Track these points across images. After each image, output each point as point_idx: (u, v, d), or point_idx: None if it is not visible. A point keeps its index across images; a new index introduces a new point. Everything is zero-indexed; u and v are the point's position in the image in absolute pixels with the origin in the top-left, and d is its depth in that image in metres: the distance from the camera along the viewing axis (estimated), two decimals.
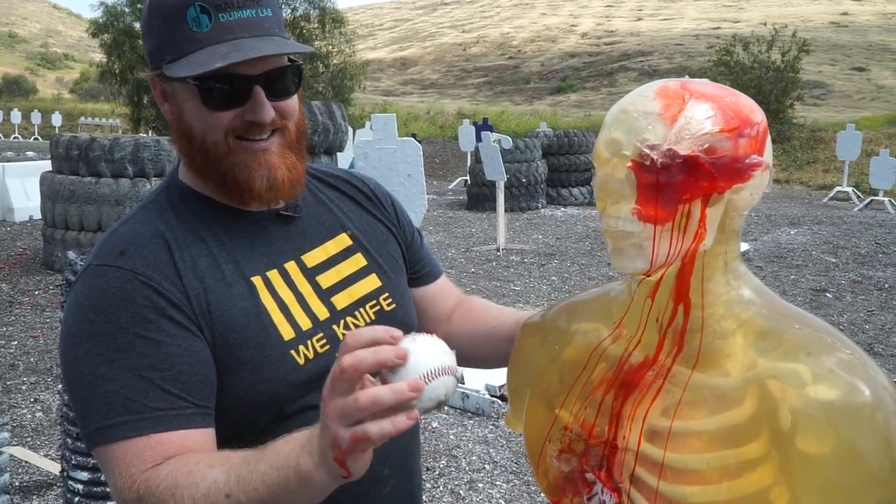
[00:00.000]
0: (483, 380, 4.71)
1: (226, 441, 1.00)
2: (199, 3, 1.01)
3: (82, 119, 32.16)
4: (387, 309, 1.20)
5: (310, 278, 1.14)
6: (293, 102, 1.10)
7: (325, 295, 1.14)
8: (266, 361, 1.04)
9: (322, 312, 1.12)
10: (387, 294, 1.21)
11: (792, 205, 14.65)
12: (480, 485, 3.74)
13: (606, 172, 0.91)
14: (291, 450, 0.85)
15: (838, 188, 15.50)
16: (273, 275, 1.10)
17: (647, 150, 0.86)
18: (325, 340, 1.10)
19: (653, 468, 0.88)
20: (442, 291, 1.38)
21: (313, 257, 1.16)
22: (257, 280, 1.08)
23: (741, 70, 22.38)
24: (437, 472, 3.86)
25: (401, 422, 0.76)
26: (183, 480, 0.89)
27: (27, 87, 54.73)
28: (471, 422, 4.47)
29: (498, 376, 4.76)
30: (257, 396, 1.03)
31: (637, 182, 0.88)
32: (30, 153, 21.73)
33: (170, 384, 0.97)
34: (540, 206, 13.56)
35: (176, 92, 1.06)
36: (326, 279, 1.16)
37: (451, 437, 4.28)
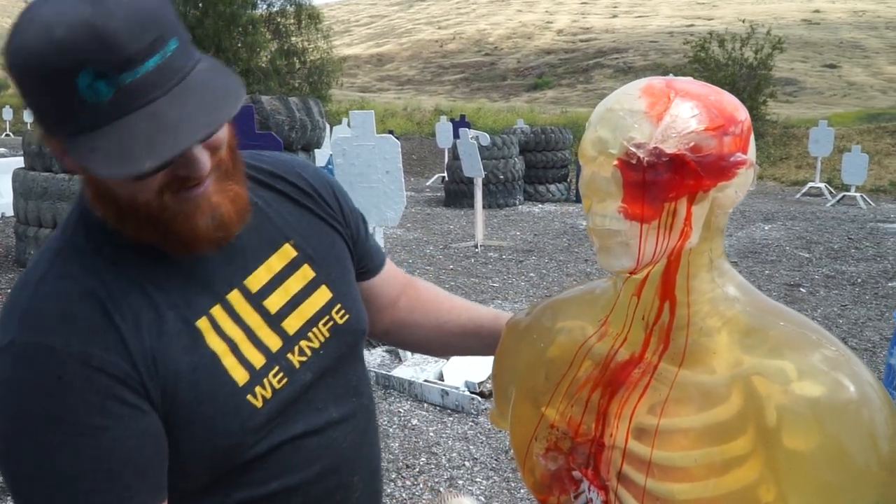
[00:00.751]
0: (463, 377, 4.72)
1: (184, 494, 0.97)
2: (91, 67, 0.78)
3: None
4: (340, 322, 1.12)
5: (257, 306, 1.03)
6: (222, 132, 0.93)
7: (274, 322, 1.04)
8: (221, 412, 0.95)
9: (274, 343, 1.03)
10: (339, 306, 1.13)
11: (766, 201, 14.82)
12: (460, 482, 3.74)
13: (593, 171, 0.91)
14: None
15: (811, 184, 15.71)
16: (217, 311, 0.99)
17: (633, 149, 0.86)
18: (281, 374, 1.02)
19: (640, 466, 0.89)
20: (386, 279, 1.33)
21: (257, 279, 1.05)
22: (202, 323, 0.97)
23: (716, 67, 22.61)
24: (417, 470, 3.86)
25: None
26: None
27: None
28: (450, 419, 4.47)
29: (478, 373, 4.76)
30: (214, 451, 0.96)
31: (623, 180, 0.88)
32: (2, 150, 21.35)
33: (117, 474, 0.88)
34: (517, 202, 13.59)
35: (82, 156, 0.82)
36: (274, 303, 1.05)
37: (431, 434, 4.27)
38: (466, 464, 3.92)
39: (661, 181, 0.86)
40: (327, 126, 8.70)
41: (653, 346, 0.94)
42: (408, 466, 3.88)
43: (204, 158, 0.89)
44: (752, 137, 0.91)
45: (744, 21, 24.88)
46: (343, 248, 1.19)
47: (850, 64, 48.43)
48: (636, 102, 0.88)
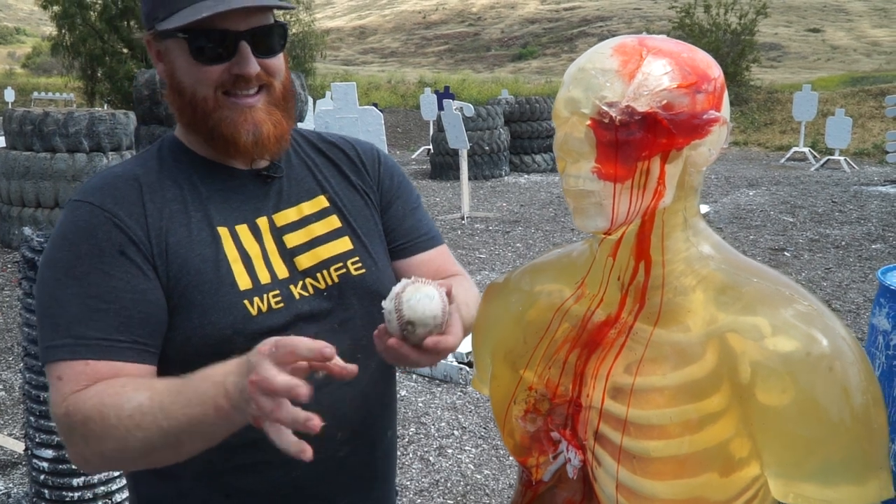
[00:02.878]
0: None
1: None
2: None
3: (35, 94, 31.18)
4: (353, 273, 1.19)
5: (276, 237, 1.17)
6: (279, 61, 1.14)
7: (287, 255, 1.16)
8: (217, 306, 1.08)
9: (282, 272, 1.15)
10: (356, 259, 1.21)
11: (750, 166, 14.87)
12: (449, 451, 3.77)
13: (566, 132, 0.90)
14: (209, 388, 0.91)
15: (795, 149, 15.77)
16: (242, 229, 1.14)
17: (605, 108, 0.85)
18: (279, 298, 1.12)
19: (616, 425, 0.89)
20: (423, 267, 1.31)
21: (285, 216, 1.19)
22: (223, 231, 1.13)
23: (700, 33, 22.50)
24: (407, 440, 3.89)
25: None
26: (109, 400, 0.96)
27: None
28: (439, 389, 4.49)
29: (466, 343, 4.78)
30: (204, 339, 1.07)
31: (596, 140, 0.87)
32: None
33: (111, 317, 1.03)
34: (503, 173, 13.56)
35: (168, 50, 1.12)
36: (293, 239, 1.17)
37: (420, 404, 4.30)
38: (455, 433, 3.96)
39: (633, 140, 0.86)
40: (310, 99, 8.63)
41: (628, 306, 0.94)
42: (397, 437, 3.91)
43: (254, 62, 1.09)
44: (725, 95, 0.91)
45: None
46: (372, 215, 1.28)
47: (834, 28, 48.33)
48: (608, 61, 0.87)
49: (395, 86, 31.90)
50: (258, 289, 1.11)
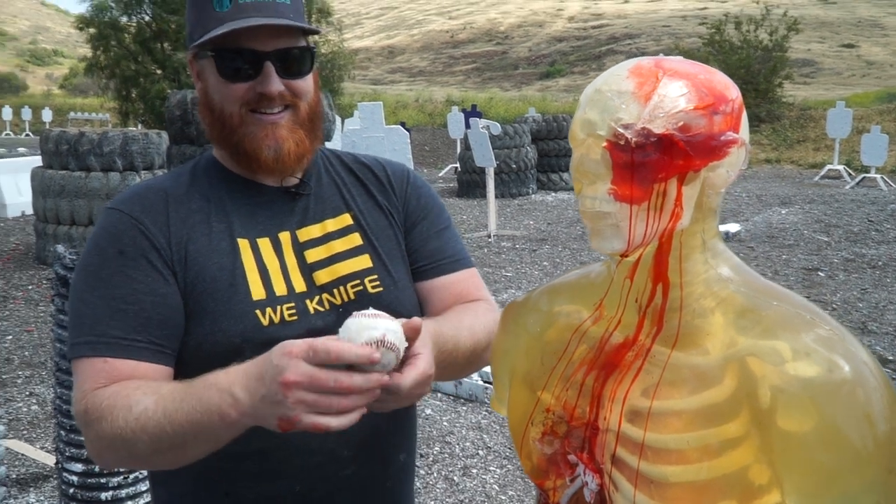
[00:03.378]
0: None
1: None
2: None
3: (72, 114, 31.96)
4: (370, 291, 1.20)
5: (297, 252, 1.19)
6: (305, 83, 1.19)
7: (307, 269, 1.19)
8: (228, 314, 1.12)
9: (299, 285, 1.17)
10: (375, 276, 1.21)
11: (783, 184, 14.68)
12: (474, 471, 3.75)
13: (582, 153, 0.90)
14: (213, 395, 0.94)
15: (829, 166, 15.53)
16: (263, 242, 1.18)
17: (621, 130, 0.85)
18: (294, 311, 1.15)
19: (633, 449, 0.88)
20: (445, 289, 1.29)
21: (308, 232, 1.22)
22: (243, 242, 1.17)
23: (730, 49, 22.33)
24: (431, 459, 3.87)
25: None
26: (120, 402, 1.01)
27: (17, 84, 54.43)
28: (464, 408, 4.48)
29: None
30: (215, 346, 1.10)
31: (612, 162, 0.87)
32: (21, 149, 21.57)
33: (131, 318, 1.09)
34: (530, 191, 13.55)
35: (203, 68, 1.18)
36: (314, 254, 1.20)
37: (445, 423, 4.28)
38: (480, 452, 3.93)
39: (649, 162, 0.85)
40: (337, 119, 8.72)
41: (646, 328, 0.93)
42: (422, 455, 3.90)
43: (277, 81, 1.14)
44: (744, 116, 0.90)
45: (758, 3, 24.52)
46: (395, 235, 1.29)
47: (869, 43, 47.71)
48: (624, 83, 0.87)
49: (422, 104, 32.11)
50: (272, 300, 1.14)
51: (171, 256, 1.13)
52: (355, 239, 1.24)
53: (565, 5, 74.69)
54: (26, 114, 31.10)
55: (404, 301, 1.24)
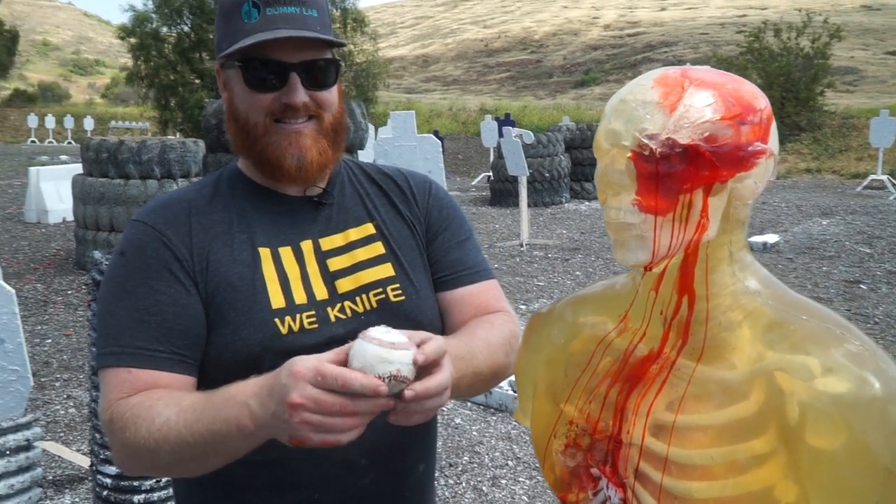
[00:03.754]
0: None
1: None
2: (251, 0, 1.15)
3: (113, 123, 32.69)
4: (392, 300, 1.20)
5: (320, 260, 1.20)
6: (330, 95, 1.20)
7: (329, 277, 1.20)
8: (248, 323, 1.13)
9: (321, 293, 1.18)
10: (397, 285, 1.22)
11: (824, 194, 14.41)
12: (503, 481, 3.72)
13: (606, 163, 0.89)
14: (232, 408, 0.96)
15: (872, 176, 15.20)
16: (285, 251, 1.19)
17: (645, 140, 0.84)
18: (314, 319, 1.16)
19: (657, 463, 0.87)
20: (465, 301, 1.28)
21: (332, 241, 1.23)
22: (264, 251, 1.18)
23: (770, 57, 21.99)
24: (460, 469, 3.86)
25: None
26: (144, 413, 1.03)
27: (60, 94, 55.84)
28: (493, 418, 4.46)
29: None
30: (235, 355, 1.12)
31: (637, 172, 0.86)
32: (64, 157, 22.13)
33: (153, 328, 1.10)
34: (564, 200, 13.48)
35: (230, 78, 1.20)
36: (337, 263, 1.21)
37: (474, 433, 4.27)
38: (510, 463, 3.91)
39: (674, 172, 0.84)
40: (370, 127, 8.78)
41: (671, 341, 0.92)
42: (451, 465, 3.89)
43: (302, 92, 1.16)
44: (773, 126, 0.89)
45: (800, 10, 24.14)
46: (416, 244, 1.29)
47: None
48: (649, 93, 0.87)
49: (456, 113, 32.20)
50: (291, 308, 1.15)
51: (192, 267, 1.15)
52: (378, 248, 1.24)
53: (601, 13, 74.41)
54: (69, 122, 31.87)
55: (425, 310, 1.24)
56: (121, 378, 1.09)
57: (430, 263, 1.29)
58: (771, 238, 9.36)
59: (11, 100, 40.03)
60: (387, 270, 1.23)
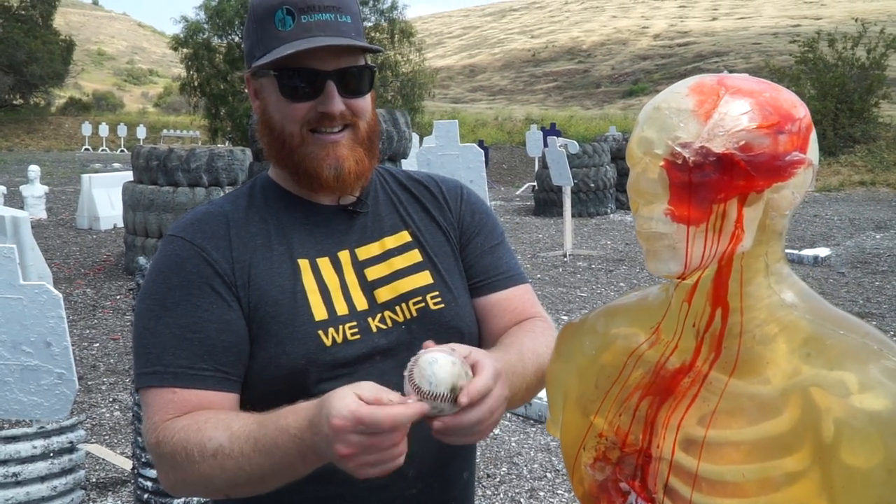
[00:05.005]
0: None
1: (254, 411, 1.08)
2: (286, 6, 1.13)
3: (165, 131, 33.51)
4: (432, 307, 1.20)
5: (358, 270, 1.19)
6: (365, 102, 1.19)
7: (368, 287, 1.19)
8: (292, 336, 1.12)
9: (361, 303, 1.17)
10: (436, 293, 1.21)
11: (878, 208, 13.99)
12: (541, 493, 3.69)
13: (638, 172, 0.88)
14: (287, 442, 0.96)
15: None
16: (323, 261, 1.18)
17: (678, 149, 0.83)
18: (356, 329, 1.15)
19: (687, 479, 0.85)
20: (500, 306, 1.28)
21: (368, 251, 1.22)
22: (304, 263, 1.17)
23: (824, 68, 21.48)
24: (498, 480, 3.83)
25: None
26: (193, 437, 1.02)
27: (114, 102, 57.46)
28: (533, 429, 4.42)
29: None
30: (279, 369, 1.11)
31: (670, 181, 0.85)
32: (116, 164, 22.76)
33: (196, 346, 1.09)
34: (609, 211, 13.36)
35: (262, 87, 1.19)
36: (374, 272, 1.20)
37: (513, 444, 4.24)
38: (548, 475, 3.87)
39: (708, 182, 0.83)
40: (414, 137, 8.83)
41: (703, 354, 0.90)
42: (488, 476, 3.86)
43: (339, 101, 1.14)
44: (812, 136, 0.86)
45: (856, 20, 23.54)
46: (451, 251, 1.29)
47: None
48: (684, 101, 0.85)
49: (501, 123, 32.19)
50: (334, 320, 1.14)
51: (234, 281, 1.13)
52: (415, 256, 1.24)
53: (651, 23, 73.71)
54: (122, 131, 32.72)
55: (464, 317, 1.24)
56: (165, 399, 1.08)
57: (465, 269, 1.29)
58: (822, 252, 9.13)
59: (66, 108, 41.27)
60: (425, 278, 1.22)
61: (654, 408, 0.91)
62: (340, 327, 1.14)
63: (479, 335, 1.27)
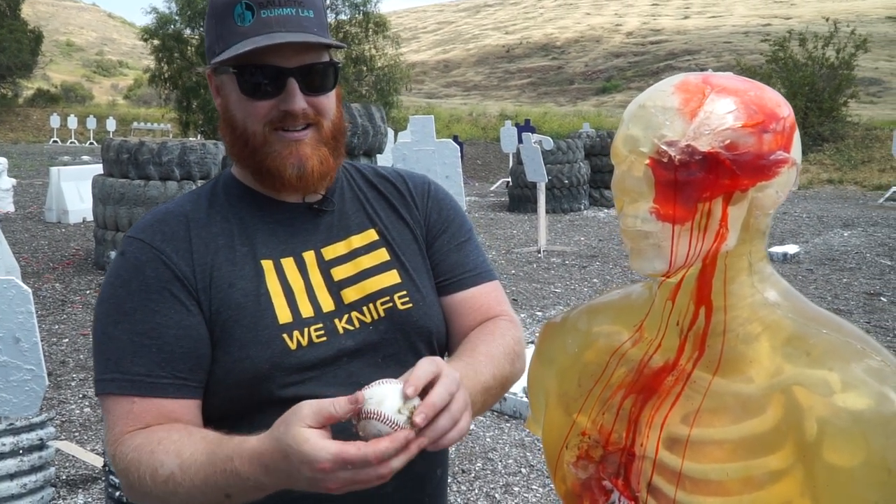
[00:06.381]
0: (521, 382, 4.67)
1: (211, 420, 1.06)
2: (246, 0, 1.09)
3: (135, 124, 33.02)
4: (400, 307, 1.17)
5: (324, 270, 1.16)
6: (329, 100, 1.15)
7: (334, 287, 1.15)
8: (255, 340, 1.08)
9: (327, 304, 1.14)
10: (404, 292, 1.18)
11: (845, 206, 14.24)
12: (516, 488, 3.70)
13: (624, 170, 0.88)
14: (246, 470, 0.91)
15: (895, 188, 15.01)
16: (287, 262, 1.14)
17: (664, 147, 0.83)
18: (322, 331, 1.11)
19: (671, 477, 0.85)
20: (467, 304, 1.26)
21: (334, 250, 1.18)
22: (267, 264, 1.13)
23: (794, 67, 21.80)
24: (473, 475, 3.84)
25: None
26: (145, 459, 0.99)
27: (83, 94, 56.54)
28: (507, 424, 4.43)
29: None
30: (242, 374, 1.07)
31: (655, 180, 0.85)
32: (86, 157, 22.37)
33: (154, 353, 1.06)
34: (583, 207, 13.43)
35: (224, 84, 1.15)
36: (341, 272, 1.17)
37: (488, 439, 4.25)
38: (523, 470, 3.88)
39: (694, 180, 0.83)
40: (390, 132, 8.81)
41: (687, 352, 0.90)
42: (463, 472, 3.87)
43: (301, 99, 1.10)
44: (796, 135, 0.87)
45: (827, 19, 23.92)
46: (421, 250, 1.25)
47: None
48: (669, 99, 0.85)
49: (476, 118, 32.22)
50: (298, 322, 1.11)
51: (195, 285, 1.09)
52: (382, 254, 1.20)
53: (623, 21, 74.17)
54: (91, 123, 32.19)
55: (433, 316, 1.21)
56: (124, 409, 1.05)
57: (432, 267, 1.26)
58: (791, 249, 9.26)
59: (34, 100, 40.50)
60: (393, 277, 1.19)
61: (638, 406, 0.91)
62: (306, 330, 1.10)
63: (447, 333, 1.25)
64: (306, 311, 1.12)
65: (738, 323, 0.88)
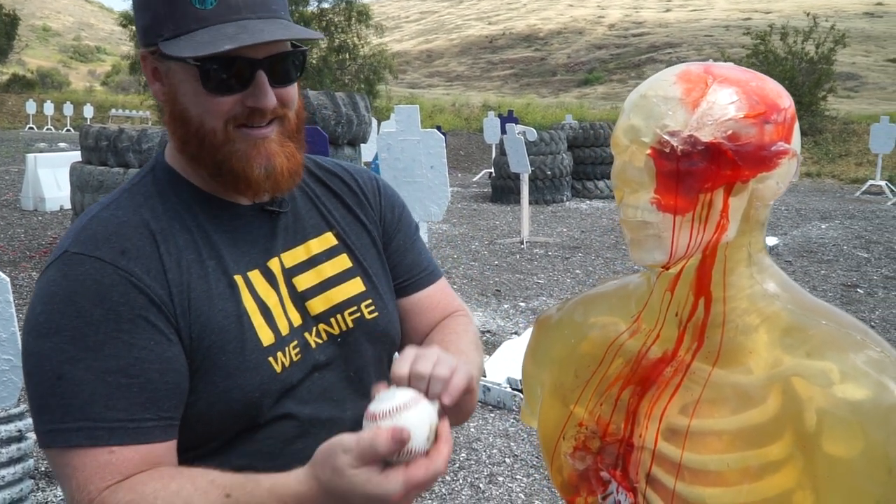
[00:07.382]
0: (505, 373, 4.68)
1: (191, 447, 0.96)
2: None
3: (113, 111, 32.59)
4: (367, 317, 1.11)
5: (287, 279, 1.06)
6: (293, 90, 1.03)
7: (298, 299, 1.06)
8: (243, 367, 0.97)
9: (296, 318, 1.05)
10: (369, 300, 1.12)
11: (823, 199, 14.40)
12: (500, 478, 3.71)
13: (625, 160, 0.87)
14: None
15: (871, 182, 15.19)
16: (254, 275, 1.03)
17: (666, 137, 0.82)
18: (298, 349, 1.03)
19: (670, 468, 0.85)
20: (423, 304, 1.22)
21: (294, 256, 1.08)
22: (238, 279, 1.01)
23: (774, 61, 21.98)
24: (457, 465, 3.84)
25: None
26: None
27: (60, 80, 55.74)
28: (491, 415, 4.44)
29: (520, 370, 4.72)
30: (230, 403, 0.96)
31: (656, 170, 0.84)
32: (62, 144, 22.04)
33: (136, 393, 0.90)
34: (565, 198, 13.45)
35: (171, 72, 0.98)
36: (304, 281, 1.07)
37: (472, 429, 4.25)
38: (507, 460, 3.89)
39: (695, 171, 0.82)
40: (374, 121, 8.76)
41: (686, 343, 0.90)
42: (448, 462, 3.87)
43: (271, 94, 0.97)
44: (796, 126, 0.87)
45: (808, 14, 24.12)
46: (380, 252, 1.19)
47: None
48: (671, 89, 0.85)
49: (459, 109, 32.16)
50: (280, 342, 1.01)
51: (173, 310, 0.94)
52: (344, 261, 1.12)
53: (606, 13, 74.29)
54: (68, 109, 31.68)
55: (394, 322, 1.16)
56: (100, 461, 0.88)
57: (390, 268, 1.20)
58: (770, 241, 9.36)
59: (9, 85, 39.78)
60: (357, 286, 1.11)
61: (636, 397, 0.91)
62: (287, 349, 1.01)
63: (402, 334, 1.20)
64: (283, 328, 1.02)
65: (737, 314, 0.88)
